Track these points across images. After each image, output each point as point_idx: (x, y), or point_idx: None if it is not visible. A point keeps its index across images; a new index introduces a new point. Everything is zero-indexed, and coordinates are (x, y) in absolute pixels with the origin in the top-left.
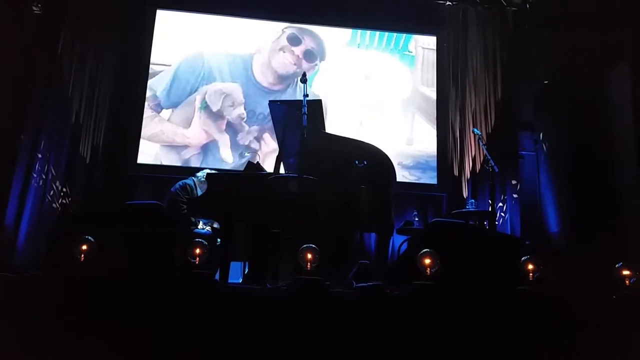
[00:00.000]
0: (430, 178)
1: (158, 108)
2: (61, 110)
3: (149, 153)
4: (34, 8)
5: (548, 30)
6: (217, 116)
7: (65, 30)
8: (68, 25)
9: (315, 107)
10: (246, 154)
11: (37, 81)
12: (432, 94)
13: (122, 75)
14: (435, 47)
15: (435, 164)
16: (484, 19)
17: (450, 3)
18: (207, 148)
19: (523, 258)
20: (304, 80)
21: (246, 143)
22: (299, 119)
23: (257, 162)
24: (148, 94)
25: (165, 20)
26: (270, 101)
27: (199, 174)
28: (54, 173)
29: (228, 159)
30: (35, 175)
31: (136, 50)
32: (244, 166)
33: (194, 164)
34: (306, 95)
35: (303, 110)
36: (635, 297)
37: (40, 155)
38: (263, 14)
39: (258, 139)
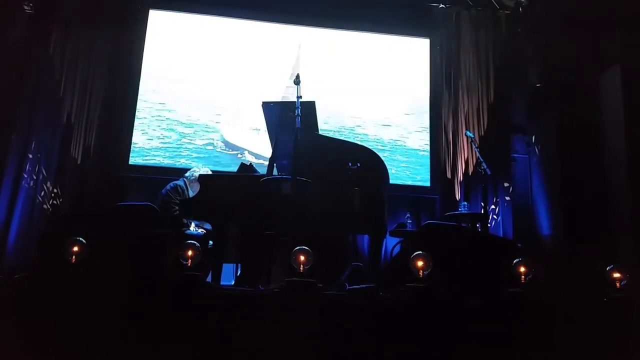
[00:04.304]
0: (423, 180)
1: None
2: (52, 110)
3: (141, 149)
4: (25, 7)
5: (540, 34)
6: None
7: (57, 30)
8: (60, 24)
9: (309, 109)
10: (239, 156)
11: (28, 81)
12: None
13: (114, 75)
14: (428, 50)
15: (428, 166)
16: (476, 22)
17: (443, 6)
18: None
19: (515, 260)
20: (297, 81)
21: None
22: (292, 121)
23: (250, 163)
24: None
25: (158, 21)
26: (263, 102)
27: (188, 173)
28: (44, 174)
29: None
30: (25, 176)
31: (128, 50)
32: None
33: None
34: (300, 97)
35: (296, 111)
36: (625, 299)
37: (31, 156)
38: (256, 15)
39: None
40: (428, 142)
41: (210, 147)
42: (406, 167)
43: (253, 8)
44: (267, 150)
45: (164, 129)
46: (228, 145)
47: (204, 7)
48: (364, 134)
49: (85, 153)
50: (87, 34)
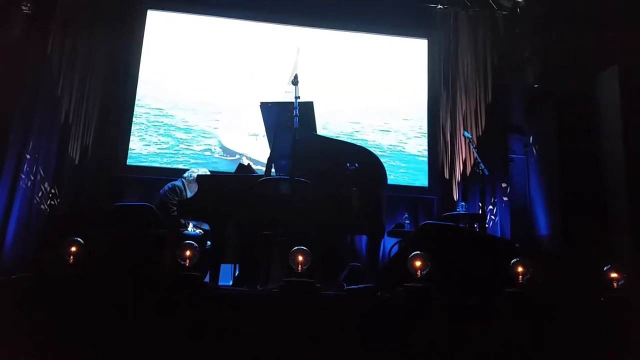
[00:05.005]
0: (421, 181)
1: None
2: (50, 110)
3: (138, 155)
4: (23, 7)
5: (538, 34)
6: None
7: (55, 30)
8: (58, 24)
9: (307, 109)
10: (237, 156)
11: (26, 81)
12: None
13: (112, 75)
14: (426, 50)
15: (426, 172)
16: (474, 23)
17: (441, 6)
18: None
19: (513, 260)
20: (295, 82)
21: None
22: (290, 121)
23: (248, 164)
24: None
25: (156, 21)
26: (261, 103)
27: (186, 174)
28: (42, 174)
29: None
30: (23, 177)
31: (126, 50)
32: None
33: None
34: (298, 97)
35: (294, 112)
36: (622, 299)
37: (28, 156)
38: (255, 16)
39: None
40: (426, 148)
41: (208, 153)
42: (405, 172)
43: (252, 8)
44: (265, 156)
45: (161, 134)
46: (226, 150)
47: (203, 7)
48: (363, 140)
49: (83, 153)
50: (85, 34)
